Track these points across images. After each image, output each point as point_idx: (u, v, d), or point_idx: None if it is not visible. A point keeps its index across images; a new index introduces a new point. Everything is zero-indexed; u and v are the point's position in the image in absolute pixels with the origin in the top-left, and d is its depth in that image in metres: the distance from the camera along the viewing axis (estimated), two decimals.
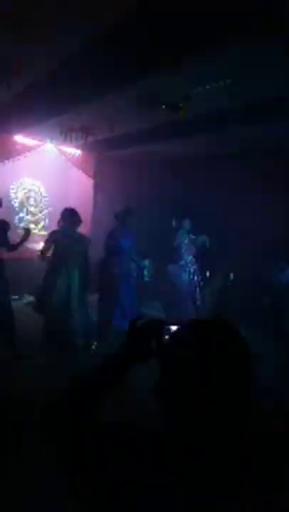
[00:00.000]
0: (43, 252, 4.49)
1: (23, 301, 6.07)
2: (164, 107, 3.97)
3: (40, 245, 6.79)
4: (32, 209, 7.10)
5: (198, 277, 5.84)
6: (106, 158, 7.32)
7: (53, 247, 4.44)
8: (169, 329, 1.06)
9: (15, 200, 6.91)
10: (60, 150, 6.90)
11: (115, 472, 0.80)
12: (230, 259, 6.43)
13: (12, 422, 1.77)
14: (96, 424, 0.93)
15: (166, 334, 1.06)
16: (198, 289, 5.77)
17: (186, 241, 5.78)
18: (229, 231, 6.42)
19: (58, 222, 4.47)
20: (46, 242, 4.52)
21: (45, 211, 7.26)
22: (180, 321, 0.94)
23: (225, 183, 6.70)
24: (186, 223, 5.81)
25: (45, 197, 7.27)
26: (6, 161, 6.37)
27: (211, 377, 0.76)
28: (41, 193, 7.25)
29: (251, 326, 5.27)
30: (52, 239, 4.44)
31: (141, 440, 0.84)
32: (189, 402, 0.78)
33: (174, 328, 1.04)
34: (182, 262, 5.72)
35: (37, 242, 6.93)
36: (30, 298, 5.92)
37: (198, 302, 5.70)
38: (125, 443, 0.83)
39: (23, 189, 7.04)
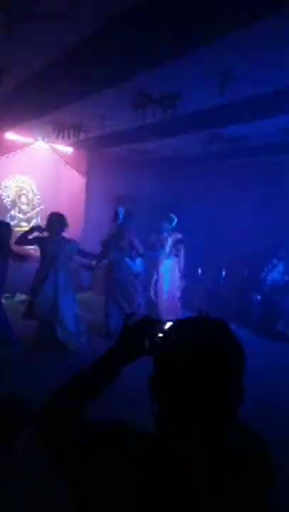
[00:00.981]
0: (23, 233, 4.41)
1: (15, 300, 6.04)
2: (155, 104, 3.98)
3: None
4: (24, 207, 7.06)
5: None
6: (98, 156, 7.30)
7: (40, 252, 4.44)
8: (162, 327, 1.08)
9: (6, 198, 6.85)
10: (52, 147, 6.87)
11: (106, 472, 0.81)
12: (224, 256, 6.48)
13: (6, 421, 1.77)
14: (86, 423, 0.93)
15: (160, 332, 1.07)
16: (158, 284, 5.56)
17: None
18: (224, 229, 6.47)
19: (45, 226, 4.41)
20: (31, 239, 4.43)
21: (37, 209, 7.21)
22: (173, 320, 0.95)
23: (220, 182, 6.74)
24: (165, 223, 5.47)
25: (37, 195, 7.23)
26: None
27: (206, 375, 0.76)
28: (33, 191, 7.20)
29: (242, 323, 5.36)
30: (38, 242, 4.43)
31: (132, 440, 0.84)
32: (184, 401, 0.78)
33: (167, 326, 1.05)
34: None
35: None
36: (23, 296, 5.90)
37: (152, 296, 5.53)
38: (117, 443, 0.84)
39: (15, 187, 6.98)
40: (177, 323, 0.88)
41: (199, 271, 6.18)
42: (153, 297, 5.53)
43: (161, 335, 1.07)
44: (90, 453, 0.84)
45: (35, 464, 2.40)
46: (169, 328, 0.89)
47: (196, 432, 0.79)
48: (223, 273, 6.57)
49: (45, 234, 4.42)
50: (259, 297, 5.79)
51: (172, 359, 0.81)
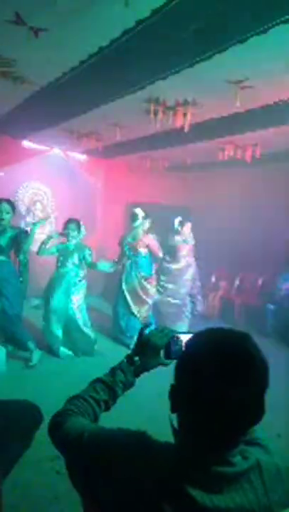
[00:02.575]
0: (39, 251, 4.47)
1: (30, 305, 6.08)
2: (170, 112, 4.00)
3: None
4: (39, 213, 7.15)
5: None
6: (113, 164, 7.36)
7: (57, 256, 4.50)
8: (179, 338, 1.07)
9: (22, 205, 6.97)
10: (66, 155, 6.95)
11: (125, 483, 0.79)
12: (238, 265, 6.42)
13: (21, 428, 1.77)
14: (103, 433, 0.92)
15: (175, 343, 1.06)
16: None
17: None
18: (239, 238, 6.42)
19: (62, 232, 4.49)
20: (51, 247, 4.51)
21: (52, 216, 7.29)
22: (192, 331, 0.94)
23: (239, 190, 6.70)
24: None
25: (51, 202, 7.33)
26: (14, 166, 6.42)
27: (228, 389, 0.74)
28: (48, 198, 7.31)
29: (255, 332, 5.28)
30: (57, 249, 4.50)
31: (149, 451, 0.83)
32: (202, 413, 0.76)
33: (183, 337, 1.04)
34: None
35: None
36: (37, 301, 5.94)
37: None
38: (139, 454, 0.83)
39: (31, 194, 7.11)
40: (199, 335, 0.86)
41: (213, 279, 6.12)
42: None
43: (176, 346, 1.07)
44: (108, 463, 0.83)
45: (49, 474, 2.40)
46: (190, 340, 0.86)
47: (207, 444, 0.77)
48: (237, 281, 6.51)
49: (63, 240, 4.49)
50: (273, 307, 5.71)
51: (194, 371, 0.79)
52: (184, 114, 3.93)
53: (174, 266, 5.45)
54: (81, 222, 4.55)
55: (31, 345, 4.02)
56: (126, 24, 2.45)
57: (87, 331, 4.45)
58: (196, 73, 3.02)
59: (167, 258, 5.45)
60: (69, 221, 4.51)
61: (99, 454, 0.86)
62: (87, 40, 2.72)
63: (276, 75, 3.08)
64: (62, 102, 4.09)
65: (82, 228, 4.54)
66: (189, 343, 0.86)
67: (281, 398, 3.31)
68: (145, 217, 4.94)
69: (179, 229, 5.53)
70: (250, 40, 2.45)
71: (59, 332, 4.35)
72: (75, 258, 4.45)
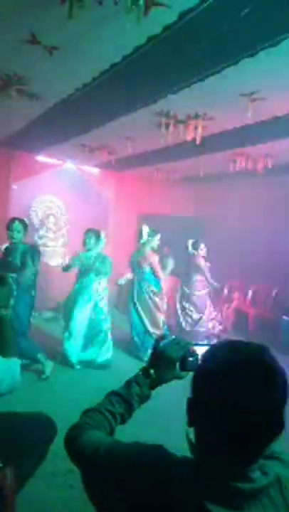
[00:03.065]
0: (65, 268, 4.60)
1: (42, 317, 6.12)
2: (182, 125, 4.04)
3: (58, 260, 6.92)
4: (51, 226, 7.24)
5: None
6: (125, 176, 7.43)
7: (78, 266, 4.54)
8: (194, 350, 1.06)
9: (35, 218, 7.07)
10: (79, 168, 7.05)
11: (143, 498, 0.78)
12: (250, 276, 6.36)
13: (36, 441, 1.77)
14: (118, 447, 0.91)
15: (191, 356, 1.05)
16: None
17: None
18: (251, 249, 6.37)
19: (84, 242, 4.53)
20: (72, 262, 4.60)
21: (64, 228, 7.39)
22: (208, 343, 0.93)
23: (251, 201, 6.68)
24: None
25: (64, 215, 7.42)
26: (28, 180, 6.54)
27: (246, 403, 0.73)
28: (61, 211, 7.41)
29: (269, 345, 5.17)
30: (75, 259, 4.55)
31: (167, 466, 0.82)
32: (219, 426, 0.75)
33: (199, 349, 1.03)
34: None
35: (54, 257, 7.05)
36: (49, 314, 5.97)
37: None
38: (150, 468, 0.82)
39: (44, 207, 7.23)
40: (215, 347, 0.85)
41: (225, 291, 6.07)
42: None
43: (192, 358, 1.06)
44: (124, 477, 0.82)
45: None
46: (207, 352, 0.85)
47: (226, 459, 0.76)
48: (250, 293, 6.44)
49: (80, 251, 4.55)
50: (287, 318, 5.61)
51: (211, 384, 0.78)
52: (195, 127, 3.97)
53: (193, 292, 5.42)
54: (101, 231, 4.58)
55: (41, 357, 4.02)
56: (138, 41, 2.50)
57: (108, 341, 4.47)
58: (207, 86, 3.06)
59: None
60: (86, 231, 4.55)
61: (115, 468, 0.85)
62: (100, 57, 2.79)
63: (287, 86, 3.09)
64: (75, 117, 4.17)
65: (102, 236, 4.55)
66: (206, 355, 0.85)
67: None
68: (151, 234, 4.89)
69: (195, 252, 5.41)
70: (261, 52, 2.47)
71: (79, 343, 4.35)
72: (96, 267, 4.45)
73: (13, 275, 3.81)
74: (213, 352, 0.84)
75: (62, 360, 4.37)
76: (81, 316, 4.36)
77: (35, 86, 3.40)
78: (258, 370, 0.75)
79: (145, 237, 4.89)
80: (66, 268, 4.58)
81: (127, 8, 1.93)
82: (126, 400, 1.06)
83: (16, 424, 1.76)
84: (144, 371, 1.10)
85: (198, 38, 2.40)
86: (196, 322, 5.39)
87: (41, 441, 1.77)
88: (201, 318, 5.38)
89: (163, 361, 1.08)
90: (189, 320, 5.42)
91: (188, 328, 5.38)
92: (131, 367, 4.43)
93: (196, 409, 0.81)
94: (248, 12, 2.08)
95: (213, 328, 5.50)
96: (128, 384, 1.09)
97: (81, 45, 2.62)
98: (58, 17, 2.19)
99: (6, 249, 4.06)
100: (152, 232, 4.91)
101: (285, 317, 5.61)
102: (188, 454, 0.84)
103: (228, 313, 6.16)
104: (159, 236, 4.91)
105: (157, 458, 0.83)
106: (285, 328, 5.54)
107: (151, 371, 1.09)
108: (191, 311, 5.39)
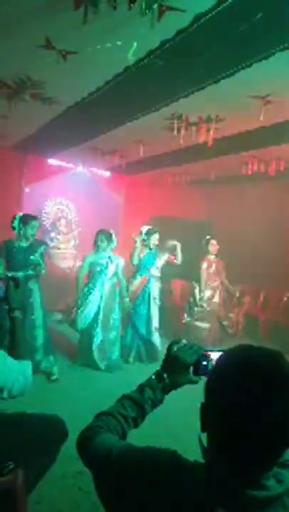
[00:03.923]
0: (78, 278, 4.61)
1: (51, 319, 6.14)
2: (193, 128, 4.04)
3: (69, 263, 6.96)
4: (63, 229, 7.29)
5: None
6: (136, 179, 7.45)
7: (89, 269, 4.54)
8: (208, 355, 1.05)
9: (47, 221, 7.14)
10: (90, 172, 7.09)
11: (156, 503, 0.78)
12: (261, 279, 6.31)
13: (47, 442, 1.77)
14: (126, 450, 0.91)
15: (205, 360, 1.05)
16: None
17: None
18: (262, 252, 6.33)
19: (95, 243, 4.51)
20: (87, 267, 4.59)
21: (76, 231, 7.44)
22: (222, 348, 0.92)
23: (262, 204, 6.63)
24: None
25: (75, 217, 7.47)
26: (40, 183, 6.61)
27: (263, 406, 0.72)
28: (72, 214, 7.47)
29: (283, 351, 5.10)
30: (87, 261, 4.55)
31: (180, 471, 0.81)
32: (237, 431, 0.74)
33: (213, 354, 1.03)
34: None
35: (66, 259, 7.09)
36: (59, 316, 5.99)
37: None
38: (162, 473, 0.81)
39: (56, 209, 7.29)
40: (229, 352, 0.84)
41: (237, 294, 6.01)
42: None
43: (205, 363, 1.05)
44: (136, 481, 0.82)
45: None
46: (221, 357, 0.85)
47: (239, 466, 0.75)
48: (262, 297, 6.37)
49: (93, 252, 4.54)
50: None
51: (225, 389, 0.77)
52: (208, 130, 3.96)
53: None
54: (112, 232, 4.54)
55: (51, 359, 4.05)
56: (151, 44, 2.51)
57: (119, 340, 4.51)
58: (220, 89, 3.05)
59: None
60: (98, 232, 4.54)
61: (127, 472, 0.85)
62: (113, 61, 2.80)
63: None
64: (87, 120, 4.20)
65: (113, 238, 4.52)
66: (220, 360, 0.84)
67: None
68: (147, 233, 4.80)
69: (210, 249, 5.26)
70: (274, 55, 2.46)
71: (95, 345, 4.37)
72: (109, 268, 4.45)
73: (32, 273, 3.84)
74: (226, 357, 0.83)
75: (109, 367, 4.39)
76: (98, 318, 4.40)
77: (48, 90, 3.44)
78: (271, 376, 0.74)
79: (138, 236, 4.76)
80: (79, 278, 4.59)
81: (141, 12, 1.94)
82: (139, 404, 1.06)
83: (28, 426, 1.77)
84: (158, 375, 1.10)
85: (212, 42, 2.41)
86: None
87: (52, 442, 1.78)
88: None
89: (176, 365, 1.08)
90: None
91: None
92: (141, 368, 4.45)
93: (209, 415, 0.80)
94: (261, 16, 2.08)
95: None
96: (141, 388, 1.09)
97: (95, 50, 2.64)
98: (72, 22, 2.21)
99: (13, 245, 3.87)
100: (150, 231, 4.83)
101: None
102: (198, 458, 0.84)
103: (238, 318, 6.10)
104: (157, 235, 4.83)
105: (170, 461, 0.82)
106: None
107: (165, 375, 1.09)
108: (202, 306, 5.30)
